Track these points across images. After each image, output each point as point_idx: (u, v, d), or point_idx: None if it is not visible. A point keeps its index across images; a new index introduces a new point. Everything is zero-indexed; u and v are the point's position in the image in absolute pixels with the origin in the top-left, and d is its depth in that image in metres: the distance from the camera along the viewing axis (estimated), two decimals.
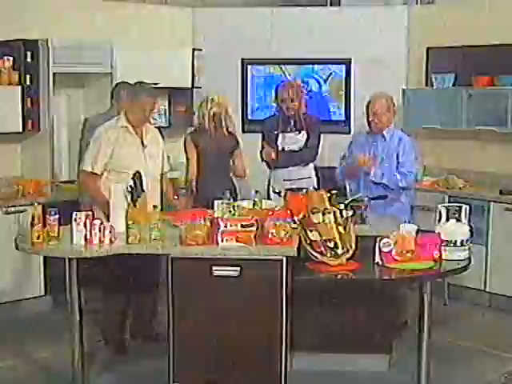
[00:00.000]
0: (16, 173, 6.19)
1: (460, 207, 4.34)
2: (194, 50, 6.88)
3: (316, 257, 4.01)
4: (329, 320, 4.60)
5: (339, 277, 3.98)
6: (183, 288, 3.99)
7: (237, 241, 3.95)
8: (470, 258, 4.23)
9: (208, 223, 4.04)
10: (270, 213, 4.08)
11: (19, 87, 5.85)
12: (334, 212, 4.08)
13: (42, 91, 5.93)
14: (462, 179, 6.35)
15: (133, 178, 4.36)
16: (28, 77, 5.90)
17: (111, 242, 4.08)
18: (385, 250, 4.03)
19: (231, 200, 4.48)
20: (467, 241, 4.23)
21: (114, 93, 5.52)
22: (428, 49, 6.74)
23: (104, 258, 4.06)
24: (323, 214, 4.04)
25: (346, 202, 4.43)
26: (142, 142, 4.80)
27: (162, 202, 4.87)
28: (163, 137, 5.07)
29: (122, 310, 5.01)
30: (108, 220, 4.31)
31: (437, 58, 6.67)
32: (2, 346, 5.13)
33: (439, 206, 4.42)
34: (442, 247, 4.10)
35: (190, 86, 6.85)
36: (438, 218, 4.34)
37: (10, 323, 5.54)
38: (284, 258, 3.92)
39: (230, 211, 4.20)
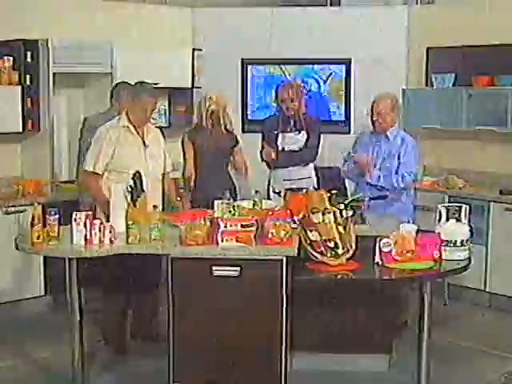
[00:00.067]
0: (16, 173, 6.19)
1: (460, 207, 4.34)
2: (193, 49, 6.88)
3: (316, 257, 4.01)
4: (329, 320, 4.59)
5: (339, 277, 3.98)
6: (183, 288, 3.99)
7: (237, 241, 3.95)
8: (469, 258, 4.23)
9: (208, 223, 4.04)
10: (270, 213, 4.07)
11: (19, 87, 5.85)
12: (334, 212, 4.08)
13: (42, 91, 5.93)
14: (462, 179, 6.35)
15: (133, 178, 4.35)
16: (28, 77, 5.90)
17: (111, 242, 4.07)
18: (385, 249, 4.03)
19: (231, 200, 4.48)
20: (467, 241, 4.23)
21: (113, 93, 5.51)
22: (428, 49, 6.73)
23: (104, 257, 4.06)
24: (323, 214, 4.03)
25: (346, 202, 4.42)
26: (144, 142, 4.80)
27: (163, 202, 4.87)
28: (164, 137, 5.07)
29: (122, 310, 5.01)
30: (108, 220, 4.31)
31: (437, 58, 6.67)
32: (2, 345, 5.13)
33: (439, 205, 4.42)
34: (442, 247, 4.10)
35: (189, 85, 6.84)
36: (437, 217, 4.33)
37: (10, 323, 5.54)
38: (284, 258, 3.92)
39: (230, 211, 4.20)
